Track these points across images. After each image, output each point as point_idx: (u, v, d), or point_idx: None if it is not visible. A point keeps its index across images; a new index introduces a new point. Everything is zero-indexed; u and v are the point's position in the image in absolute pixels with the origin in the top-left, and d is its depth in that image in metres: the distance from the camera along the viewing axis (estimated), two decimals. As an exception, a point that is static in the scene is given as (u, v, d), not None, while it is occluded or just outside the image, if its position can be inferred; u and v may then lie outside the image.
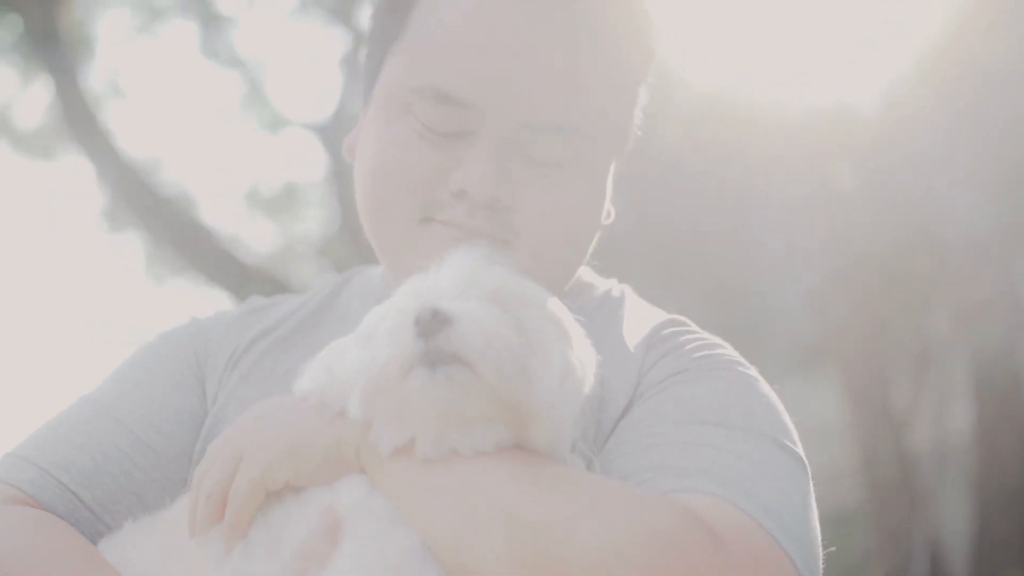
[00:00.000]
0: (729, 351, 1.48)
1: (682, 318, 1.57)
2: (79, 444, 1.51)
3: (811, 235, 8.33)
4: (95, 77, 9.77)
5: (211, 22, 9.78)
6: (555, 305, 1.35)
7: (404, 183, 1.46)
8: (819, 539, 1.30)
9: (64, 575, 1.35)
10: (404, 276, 1.37)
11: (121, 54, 12.17)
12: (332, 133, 9.19)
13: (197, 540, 1.34)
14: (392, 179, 1.47)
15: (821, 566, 1.29)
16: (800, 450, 1.37)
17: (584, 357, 1.34)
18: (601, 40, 1.46)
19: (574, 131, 1.45)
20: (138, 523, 1.45)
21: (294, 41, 13.29)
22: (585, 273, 1.66)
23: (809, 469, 1.36)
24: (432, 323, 1.22)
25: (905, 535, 8.04)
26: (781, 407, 1.41)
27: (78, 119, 8.24)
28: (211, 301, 10.13)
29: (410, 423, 1.25)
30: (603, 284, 1.66)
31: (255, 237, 12.64)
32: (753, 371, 1.45)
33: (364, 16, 9.00)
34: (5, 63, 9.20)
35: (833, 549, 1.38)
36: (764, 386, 1.43)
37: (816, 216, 8.26)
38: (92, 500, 1.48)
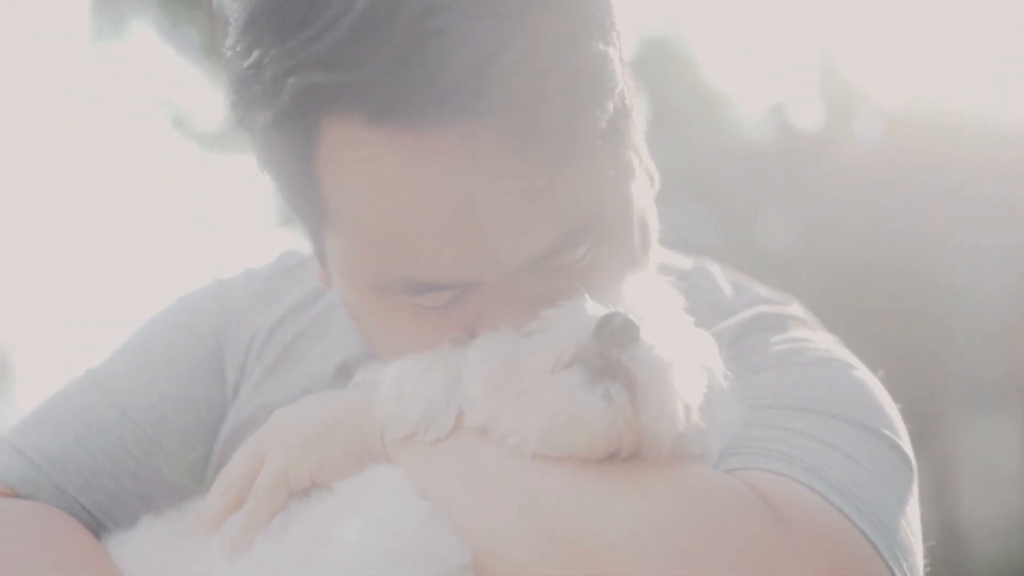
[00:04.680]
0: (821, 343, 1.35)
1: (786, 311, 1.42)
2: (79, 437, 1.36)
3: (1004, 262, 7.90)
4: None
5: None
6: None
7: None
8: (913, 532, 1.17)
9: (52, 568, 1.22)
10: None
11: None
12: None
13: (205, 536, 1.25)
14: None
15: (919, 563, 1.17)
16: (902, 442, 1.24)
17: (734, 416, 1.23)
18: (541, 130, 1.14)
19: (578, 237, 1.20)
20: (157, 519, 1.33)
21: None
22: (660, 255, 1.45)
23: (912, 462, 1.24)
24: (619, 332, 1.10)
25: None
26: (881, 395, 1.29)
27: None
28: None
29: (534, 421, 1.13)
30: (684, 263, 1.52)
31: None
32: (848, 358, 1.33)
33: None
34: (191, 62, 9.59)
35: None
36: (859, 372, 1.31)
37: (1010, 242, 7.84)
38: (91, 503, 1.34)
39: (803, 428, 1.18)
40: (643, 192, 1.31)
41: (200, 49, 9.29)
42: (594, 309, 1.13)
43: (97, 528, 1.34)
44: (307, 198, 1.22)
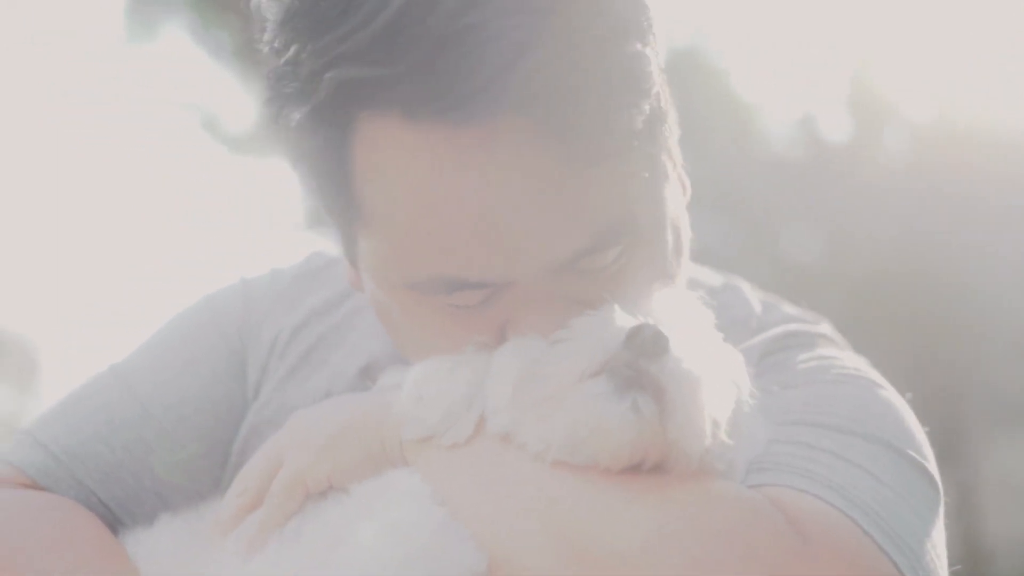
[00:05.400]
0: (849, 361, 1.34)
1: (815, 329, 1.41)
2: (99, 432, 1.37)
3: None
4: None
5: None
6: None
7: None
8: (938, 555, 1.16)
9: (68, 561, 1.23)
10: None
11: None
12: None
13: (221, 537, 1.25)
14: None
15: None
16: (928, 464, 1.23)
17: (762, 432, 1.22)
18: (577, 127, 1.14)
19: (610, 239, 1.20)
20: (174, 519, 1.33)
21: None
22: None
23: (939, 485, 1.23)
24: (649, 343, 1.10)
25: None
26: (908, 416, 1.28)
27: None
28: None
29: (558, 429, 1.12)
30: (714, 279, 1.51)
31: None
32: (876, 377, 1.33)
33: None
34: (223, 65, 9.65)
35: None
36: (887, 392, 1.30)
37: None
38: (109, 498, 1.35)
39: (828, 446, 1.17)
40: (676, 198, 1.31)
41: (231, 52, 9.35)
42: (623, 319, 1.13)
43: (114, 523, 1.35)
44: (340, 196, 1.22)
